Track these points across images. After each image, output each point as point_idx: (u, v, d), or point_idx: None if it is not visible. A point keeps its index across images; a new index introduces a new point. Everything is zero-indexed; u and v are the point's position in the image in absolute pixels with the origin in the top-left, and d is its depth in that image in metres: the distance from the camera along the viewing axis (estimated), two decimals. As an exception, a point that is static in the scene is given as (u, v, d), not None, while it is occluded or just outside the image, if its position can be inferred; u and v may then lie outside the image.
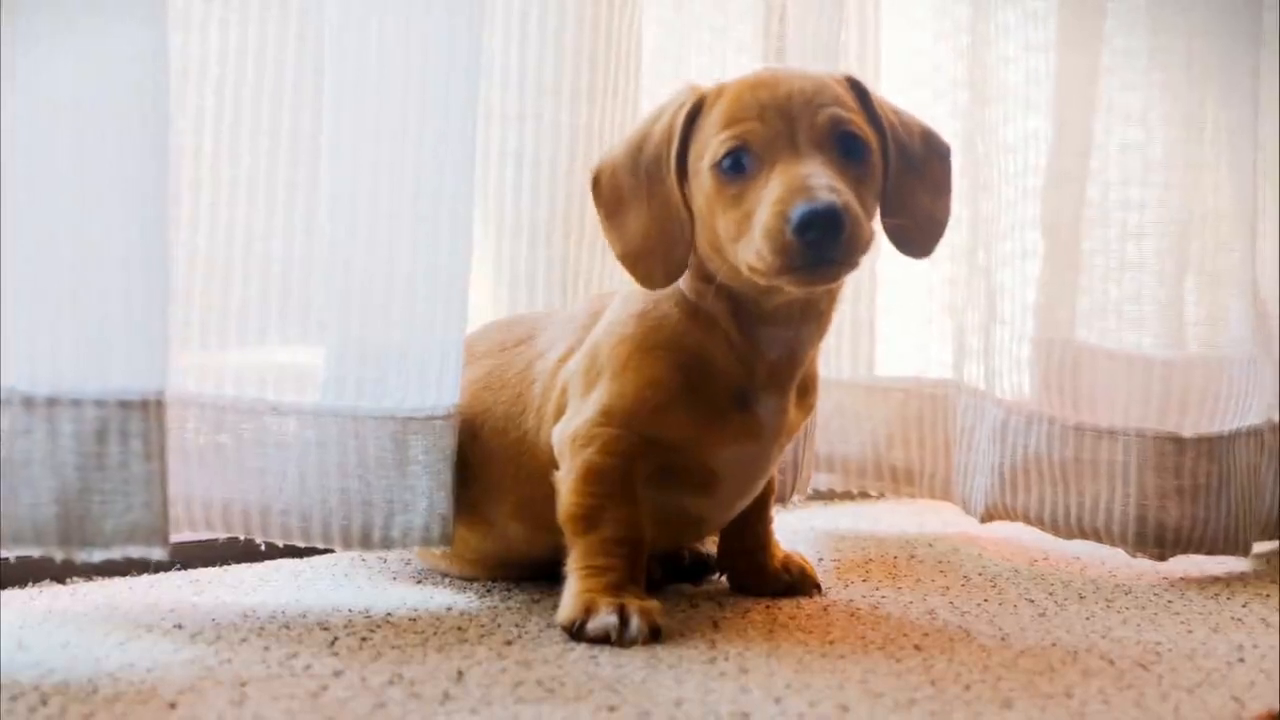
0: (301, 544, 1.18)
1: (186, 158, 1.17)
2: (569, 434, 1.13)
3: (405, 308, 1.17)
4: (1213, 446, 1.42)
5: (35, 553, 1.01)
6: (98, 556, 1.01)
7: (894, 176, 1.12)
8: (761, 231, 1.02)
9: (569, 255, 1.41)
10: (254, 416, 1.16)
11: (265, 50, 1.18)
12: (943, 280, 1.61)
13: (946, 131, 1.56)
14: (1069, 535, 1.45)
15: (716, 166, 1.07)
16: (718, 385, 1.12)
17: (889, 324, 1.68)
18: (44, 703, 0.88)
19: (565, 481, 1.13)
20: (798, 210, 1.00)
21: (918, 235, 1.14)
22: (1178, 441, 1.41)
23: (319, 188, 1.17)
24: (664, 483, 1.14)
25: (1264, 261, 1.57)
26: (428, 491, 1.17)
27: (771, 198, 1.02)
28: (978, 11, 1.52)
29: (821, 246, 1.00)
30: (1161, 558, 1.42)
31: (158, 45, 1.02)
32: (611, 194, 1.13)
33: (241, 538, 1.18)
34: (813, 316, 1.14)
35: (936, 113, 1.59)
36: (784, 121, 1.06)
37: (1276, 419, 1.52)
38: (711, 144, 1.07)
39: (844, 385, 1.62)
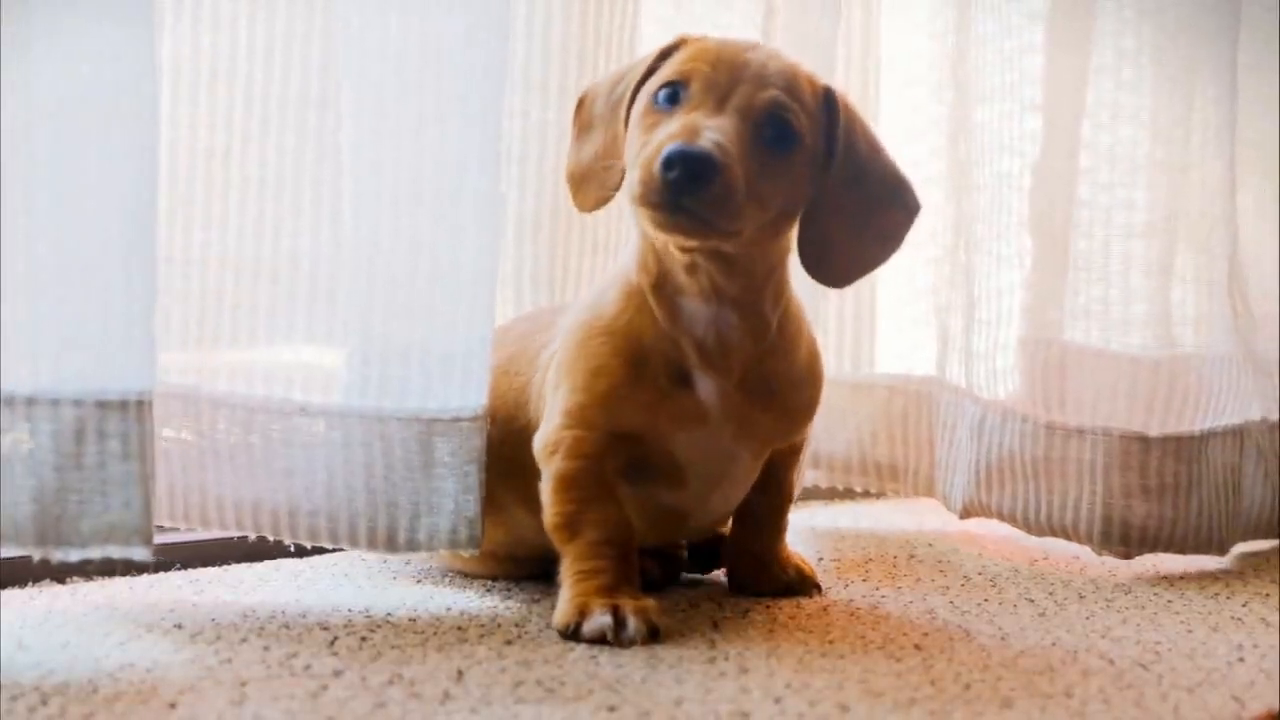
0: (329, 545, 1.19)
1: (216, 159, 1.17)
2: (542, 442, 1.14)
3: (429, 306, 1.17)
4: (1180, 446, 1.42)
5: (12, 551, 1.01)
6: (74, 556, 1.00)
7: (832, 198, 1.11)
8: (640, 159, 1.04)
9: (555, 253, 1.42)
10: (283, 417, 1.17)
11: (291, 48, 1.18)
12: (939, 281, 1.61)
13: (942, 131, 1.57)
14: (1040, 533, 1.46)
15: (653, 95, 1.09)
16: (655, 364, 1.12)
17: (881, 322, 1.67)
18: (44, 703, 0.88)
19: (545, 491, 1.13)
20: (669, 146, 1.01)
21: (835, 265, 1.15)
22: (1144, 441, 1.42)
23: (344, 185, 1.18)
24: (636, 477, 1.15)
25: (1255, 261, 1.58)
26: (454, 494, 1.17)
27: (663, 133, 1.04)
28: (964, 13, 1.52)
29: (680, 189, 1.01)
30: (1127, 556, 1.43)
31: (143, 44, 1.02)
32: (586, 117, 1.17)
33: (270, 538, 1.18)
34: (727, 299, 1.12)
35: (936, 114, 1.59)
36: (728, 79, 1.07)
37: (1274, 419, 1.52)
38: (659, 75, 1.10)
39: (830, 382, 1.61)
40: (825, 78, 1.17)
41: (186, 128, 1.18)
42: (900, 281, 1.66)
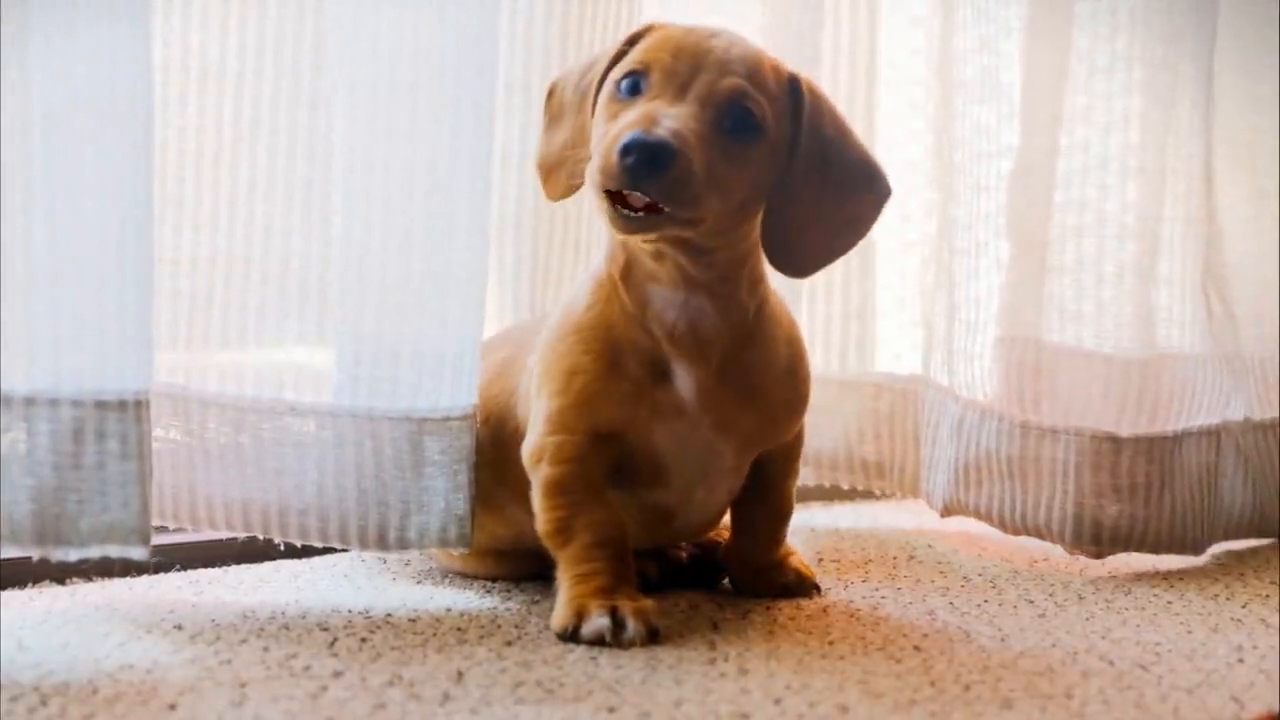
0: (320, 544, 1.19)
1: (206, 159, 1.18)
2: (528, 450, 1.14)
3: (419, 306, 1.17)
4: (1152, 446, 1.43)
5: (11, 551, 1.02)
6: (73, 556, 1.01)
7: (796, 185, 1.11)
8: (601, 148, 1.04)
9: (538, 253, 1.42)
10: (274, 416, 1.17)
11: (282, 48, 1.18)
12: (928, 282, 1.61)
13: (935, 131, 1.57)
14: (1015, 532, 1.46)
15: (616, 83, 1.09)
16: (629, 356, 1.12)
17: (879, 322, 1.67)
18: (44, 703, 0.88)
19: (535, 499, 1.13)
20: (627, 135, 1.02)
21: (797, 253, 1.14)
22: (1115, 441, 1.42)
23: (334, 185, 1.18)
24: (620, 480, 1.14)
25: (1240, 259, 1.58)
26: (444, 493, 1.17)
27: (623, 121, 1.05)
28: (956, 15, 1.52)
29: (636, 176, 1.01)
30: (1099, 555, 1.44)
31: (140, 44, 1.02)
32: (556, 105, 1.18)
33: (260, 536, 1.19)
34: (699, 286, 1.12)
35: (932, 115, 1.59)
36: (690, 67, 1.07)
37: (1256, 418, 1.53)
38: (622, 64, 1.10)
39: (818, 380, 1.61)
40: (809, 71, 1.16)
41: (176, 128, 1.18)
42: (895, 283, 1.66)
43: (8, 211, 0.99)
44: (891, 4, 1.62)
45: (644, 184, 1.01)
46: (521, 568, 1.27)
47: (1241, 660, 1.08)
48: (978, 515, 1.48)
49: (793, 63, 1.20)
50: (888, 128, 1.62)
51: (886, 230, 1.63)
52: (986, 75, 1.48)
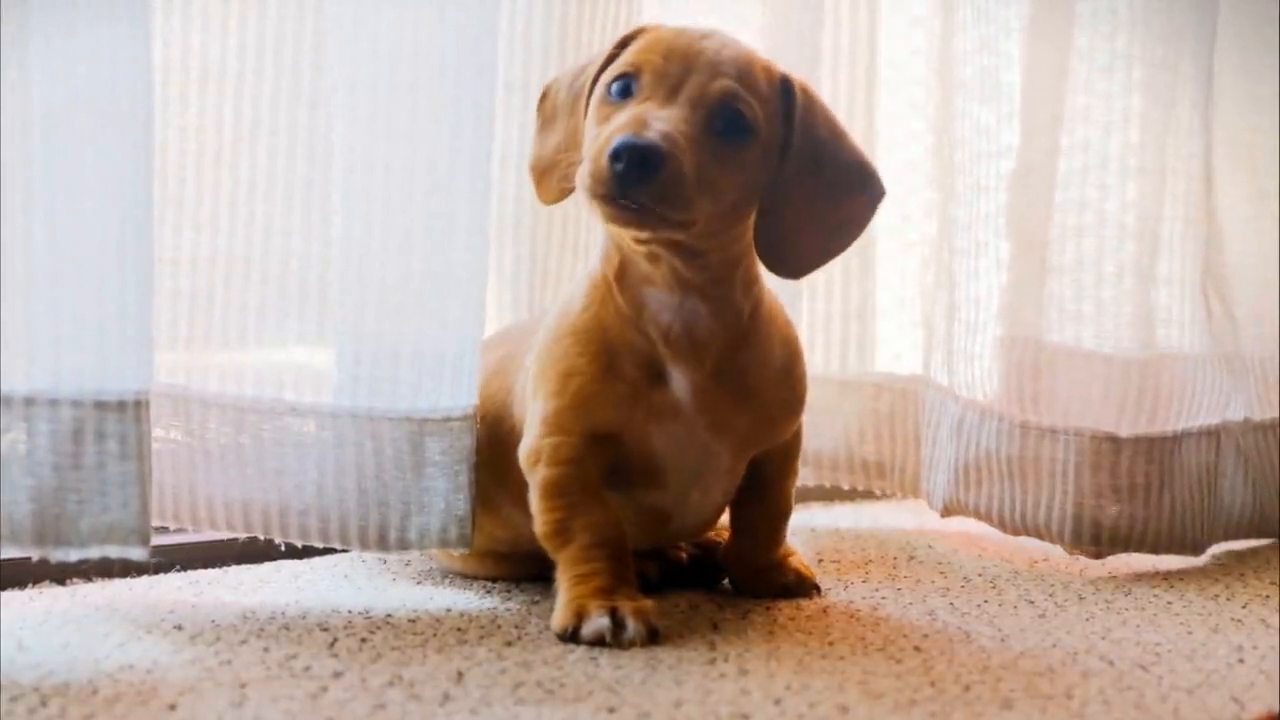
0: (320, 544, 1.19)
1: (207, 159, 1.18)
2: (525, 452, 1.14)
3: (419, 306, 1.17)
4: (1151, 446, 1.43)
5: (11, 551, 1.02)
6: (73, 556, 1.01)
7: (789, 187, 1.11)
8: (591, 152, 1.04)
9: (537, 254, 1.42)
10: (274, 417, 1.17)
11: (282, 48, 1.18)
12: (929, 282, 1.61)
13: (936, 131, 1.57)
14: (1015, 532, 1.46)
15: (607, 85, 1.09)
16: (625, 358, 1.12)
17: (880, 322, 1.67)
18: (44, 704, 0.88)
19: (533, 501, 1.13)
20: (617, 139, 1.01)
21: (790, 255, 1.13)
22: (1114, 441, 1.42)
23: (334, 186, 1.18)
24: (616, 481, 1.14)
25: (1240, 259, 1.58)
26: (444, 493, 1.18)
27: (613, 125, 1.04)
28: (956, 16, 1.52)
29: (627, 181, 1.01)
30: (1098, 555, 1.44)
31: (140, 44, 1.02)
32: (550, 108, 1.18)
33: (260, 537, 1.19)
34: (693, 289, 1.12)
35: (933, 115, 1.59)
36: (680, 69, 1.07)
37: (1256, 419, 1.53)
38: (614, 66, 1.10)
39: (818, 380, 1.61)
40: (809, 71, 1.15)
41: (176, 128, 1.18)
42: (895, 283, 1.66)
43: (8, 211, 0.99)
44: (891, 4, 1.62)
45: (634, 189, 1.01)
46: (521, 569, 1.27)
47: (1241, 660, 1.08)
48: (978, 515, 1.49)
49: (792, 63, 1.21)
50: (888, 128, 1.62)
51: (886, 230, 1.63)
52: (986, 75, 1.48)
